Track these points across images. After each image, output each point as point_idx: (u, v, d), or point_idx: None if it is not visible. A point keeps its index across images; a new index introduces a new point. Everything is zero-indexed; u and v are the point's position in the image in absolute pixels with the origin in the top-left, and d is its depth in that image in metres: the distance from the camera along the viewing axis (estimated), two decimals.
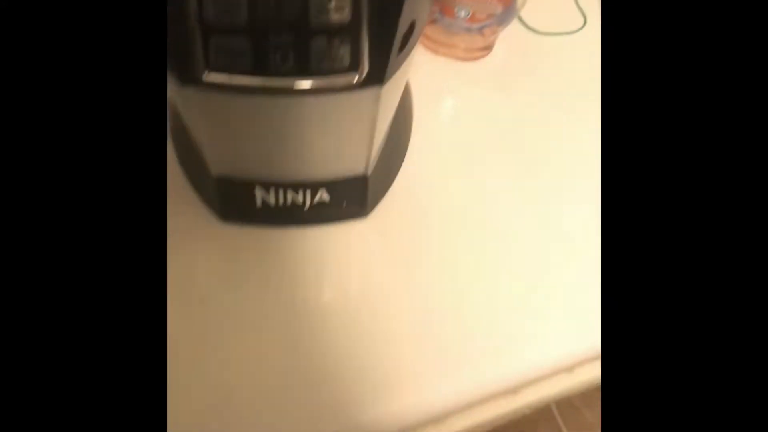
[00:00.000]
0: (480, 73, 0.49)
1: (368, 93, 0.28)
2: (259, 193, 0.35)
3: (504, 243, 0.40)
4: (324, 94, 0.27)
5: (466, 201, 0.42)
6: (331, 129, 0.31)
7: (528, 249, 0.40)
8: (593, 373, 0.40)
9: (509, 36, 0.50)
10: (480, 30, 0.47)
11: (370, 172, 0.36)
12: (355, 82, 0.27)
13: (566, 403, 1.12)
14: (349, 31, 0.25)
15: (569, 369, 0.39)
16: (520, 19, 0.52)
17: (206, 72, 0.26)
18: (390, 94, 0.30)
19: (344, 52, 0.26)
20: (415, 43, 0.29)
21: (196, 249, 0.37)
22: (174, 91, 0.29)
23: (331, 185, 0.36)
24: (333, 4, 0.24)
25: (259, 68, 0.26)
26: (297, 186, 0.35)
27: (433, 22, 0.47)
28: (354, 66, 0.26)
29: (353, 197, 0.37)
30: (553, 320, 0.38)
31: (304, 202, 0.36)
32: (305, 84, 0.26)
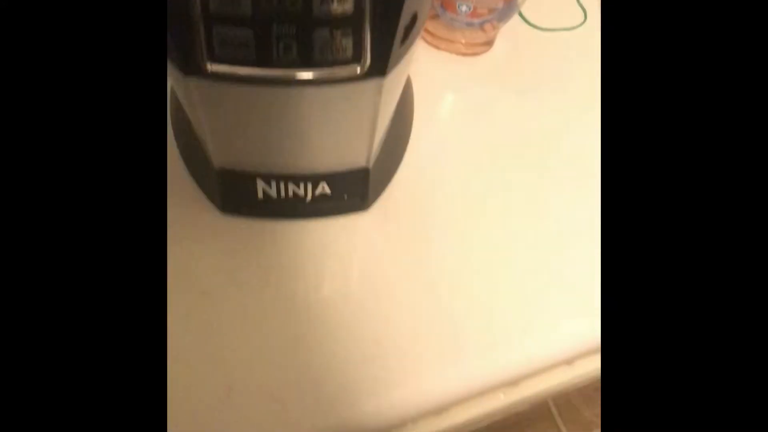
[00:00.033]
0: (481, 68, 0.49)
1: (370, 84, 0.28)
2: (260, 186, 0.35)
3: (504, 236, 0.40)
4: (326, 86, 0.27)
5: (467, 194, 0.42)
6: (333, 121, 0.31)
7: (528, 242, 0.40)
8: (593, 365, 0.41)
9: (510, 31, 0.50)
10: (481, 25, 0.47)
11: (371, 164, 0.36)
12: (357, 73, 0.27)
13: (565, 402, 1.12)
14: (351, 23, 0.25)
15: (569, 361, 0.39)
16: (521, 15, 0.52)
17: (209, 63, 0.26)
18: (392, 86, 0.30)
19: (347, 44, 0.26)
20: (417, 36, 0.29)
21: (197, 241, 0.37)
22: (176, 82, 0.29)
23: (333, 178, 0.36)
24: None
25: (261, 59, 0.26)
26: (298, 178, 0.35)
27: (435, 17, 0.47)
28: (356, 57, 0.26)
29: (354, 190, 0.37)
30: (553, 313, 0.38)
31: (306, 194, 0.36)
32: (308, 75, 0.27)
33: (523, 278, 0.39)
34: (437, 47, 0.49)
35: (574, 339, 0.39)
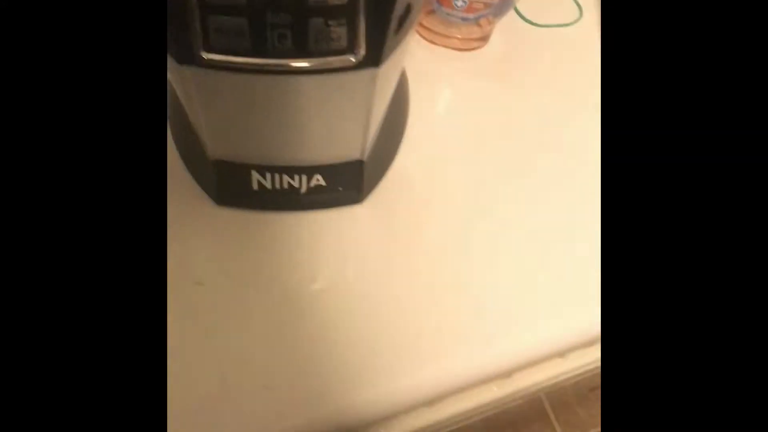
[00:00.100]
0: (476, 63, 0.49)
1: (364, 75, 0.28)
2: (255, 177, 0.36)
3: (498, 229, 0.40)
4: (321, 75, 0.27)
5: (461, 188, 0.42)
6: (328, 111, 0.31)
7: (522, 235, 0.40)
8: (586, 359, 0.41)
9: (506, 27, 0.51)
10: (476, 20, 0.47)
11: (366, 157, 0.36)
12: (351, 63, 0.27)
13: (560, 401, 1.12)
14: (346, 13, 0.26)
15: (562, 354, 0.40)
16: (517, 11, 0.52)
17: (204, 51, 0.26)
18: (386, 77, 0.30)
19: (341, 33, 0.26)
20: (411, 27, 0.29)
21: (192, 232, 0.37)
22: (172, 72, 0.29)
23: (327, 169, 0.36)
24: None
25: (256, 48, 0.26)
26: (293, 170, 0.36)
27: (431, 12, 0.48)
28: (351, 47, 0.27)
29: (349, 182, 0.37)
30: (547, 306, 0.38)
31: (300, 186, 0.36)
32: (302, 64, 0.27)
33: (517, 271, 0.39)
34: (433, 42, 0.49)
35: (567, 332, 0.39)
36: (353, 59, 0.27)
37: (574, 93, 0.49)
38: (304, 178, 0.36)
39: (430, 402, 0.36)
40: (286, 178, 0.36)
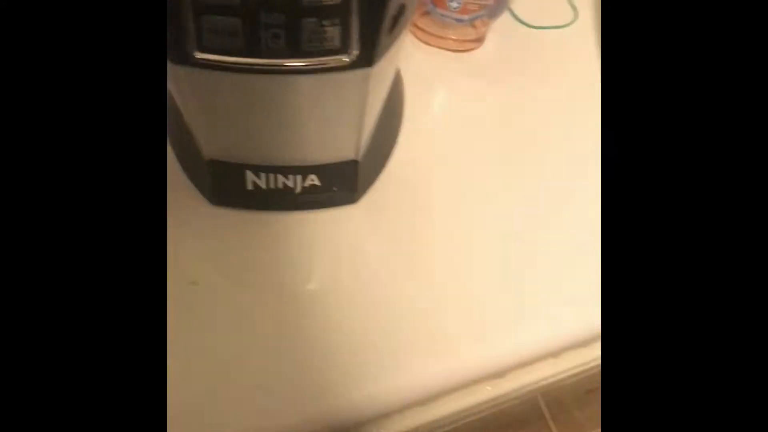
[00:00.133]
0: (471, 64, 0.50)
1: (358, 75, 0.28)
2: (249, 177, 0.36)
3: (492, 229, 0.41)
4: (314, 75, 0.28)
5: (456, 188, 0.42)
6: (321, 111, 0.31)
7: (516, 236, 0.41)
8: (579, 359, 0.41)
9: (500, 28, 0.51)
10: (471, 22, 0.47)
11: (360, 157, 0.37)
12: (344, 63, 0.27)
13: (556, 403, 1.12)
14: (339, 13, 0.26)
15: (556, 354, 0.40)
16: (512, 12, 0.52)
17: (198, 51, 0.26)
18: (379, 77, 0.31)
19: (334, 33, 0.26)
20: (404, 28, 0.29)
21: (187, 232, 0.37)
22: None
23: (322, 169, 0.36)
24: None
25: (250, 48, 0.26)
26: (288, 170, 0.36)
27: (426, 13, 0.48)
28: (344, 47, 0.27)
29: (344, 182, 0.38)
30: (541, 306, 0.38)
31: (295, 186, 0.37)
32: (296, 64, 0.27)
33: (511, 271, 0.39)
34: (428, 43, 0.49)
35: (561, 332, 0.39)
36: (346, 59, 0.27)
37: (568, 94, 0.49)
38: (299, 178, 0.36)
39: (424, 401, 0.36)
40: (280, 178, 0.36)
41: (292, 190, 0.37)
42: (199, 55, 0.26)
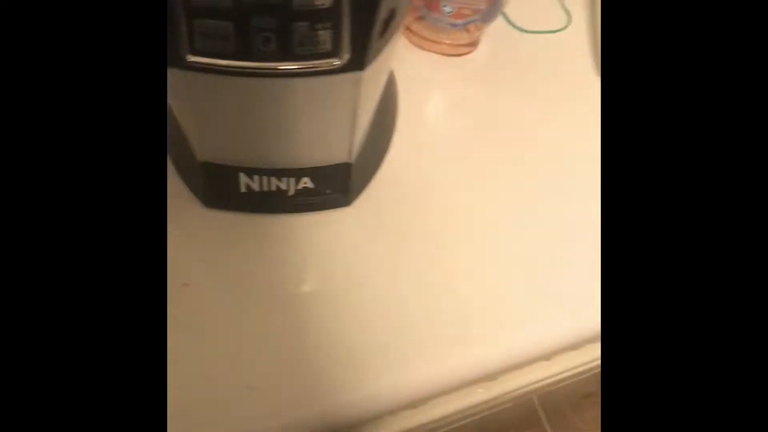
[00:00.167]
0: (465, 68, 0.50)
1: (349, 78, 0.28)
2: (243, 179, 0.36)
3: (484, 233, 0.41)
4: (305, 78, 0.28)
5: (449, 192, 0.42)
6: (313, 114, 0.31)
7: (508, 239, 0.41)
8: (571, 362, 0.41)
9: (494, 33, 0.51)
10: (465, 26, 0.48)
11: (353, 160, 0.37)
12: (335, 66, 0.27)
13: (553, 409, 1.12)
14: (330, 16, 0.26)
15: (547, 357, 0.40)
16: (505, 17, 0.53)
17: (190, 54, 0.26)
18: (371, 80, 0.31)
19: (325, 37, 0.26)
20: (395, 31, 0.30)
21: (180, 233, 0.37)
22: None
23: (315, 172, 0.36)
24: None
25: (241, 51, 0.26)
26: (281, 172, 0.36)
27: (420, 18, 0.48)
28: (335, 51, 0.27)
29: (337, 185, 0.38)
30: (533, 309, 0.39)
31: (288, 188, 0.37)
32: (287, 68, 0.27)
33: (502, 274, 0.39)
34: (422, 47, 0.50)
35: (553, 335, 0.39)
36: (338, 63, 0.27)
37: (561, 98, 0.49)
38: (292, 180, 0.36)
39: (416, 403, 0.36)
40: (273, 180, 0.36)
41: (285, 192, 0.37)
42: (192, 59, 0.27)
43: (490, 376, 0.38)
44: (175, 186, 0.38)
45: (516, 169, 0.44)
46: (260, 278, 0.37)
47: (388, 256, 0.39)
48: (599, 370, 0.44)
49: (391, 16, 0.28)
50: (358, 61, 0.28)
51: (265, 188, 0.36)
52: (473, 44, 0.50)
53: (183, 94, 0.30)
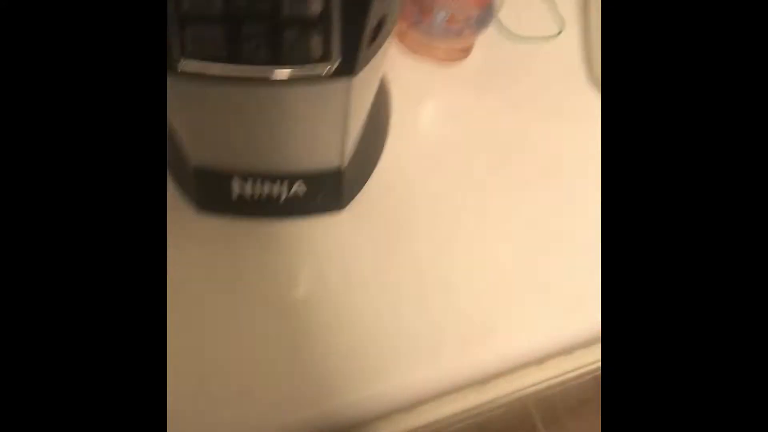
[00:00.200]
0: (459, 75, 0.50)
1: (340, 84, 0.29)
2: (235, 185, 0.36)
3: (477, 238, 0.41)
4: (296, 85, 0.28)
5: (442, 198, 0.43)
6: (304, 120, 0.31)
7: (501, 244, 0.41)
8: (562, 367, 0.41)
9: (488, 39, 0.51)
10: (458, 32, 0.48)
11: (345, 165, 0.37)
12: (326, 72, 0.28)
13: (550, 415, 1.12)
14: (320, 23, 0.26)
15: (539, 362, 0.40)
16: (499, 23, 0.53)
17: (181, 60, 0.27)
18: (362, 87, 0.31)
19: (316, 43, 0.27)
20: (386, 38, 0.30)
21: (172, 239, 0.37)
22: None
23: (307, 177, 0.36)
24: None
25: (232, 57, 0.27)
26: (273, 178, 0.36)
27: (413, 24, 0.48)
28: (326, 57, 0.27)
29: (329, 190, 0.38)
30: (525, 313, 0.39)
31: (281, 194, 0.37)
32: (278, 74, 0.27)
33: (496, 279, 0.40)
34: (415, 54, 0.50)
35: (545, 340, 0.40)
36: (328, 69, 0.28)
37: (555, 104, 0.49)
38: (285, 185, 0.37)
39: (408, 408, 0.37)
40: (265, 185, 0.36)
41: (277, 198, 0.37)
42: (183, 65, 0.27)
43: (483, 381, 0.38)
44: (168, 191, 0.39)
45: (508, 175, 0.45)
46: (253, 282, 0.37)
47: (381, 261, 0.39)
48: (591, 375, 0.44)
49: (382, 22, 0.28)
50: (349, 68, 0.28)
51: (258, 193, 0.37)
52: (467, 50, 0.51)
53: (175, 100, 0.30)
